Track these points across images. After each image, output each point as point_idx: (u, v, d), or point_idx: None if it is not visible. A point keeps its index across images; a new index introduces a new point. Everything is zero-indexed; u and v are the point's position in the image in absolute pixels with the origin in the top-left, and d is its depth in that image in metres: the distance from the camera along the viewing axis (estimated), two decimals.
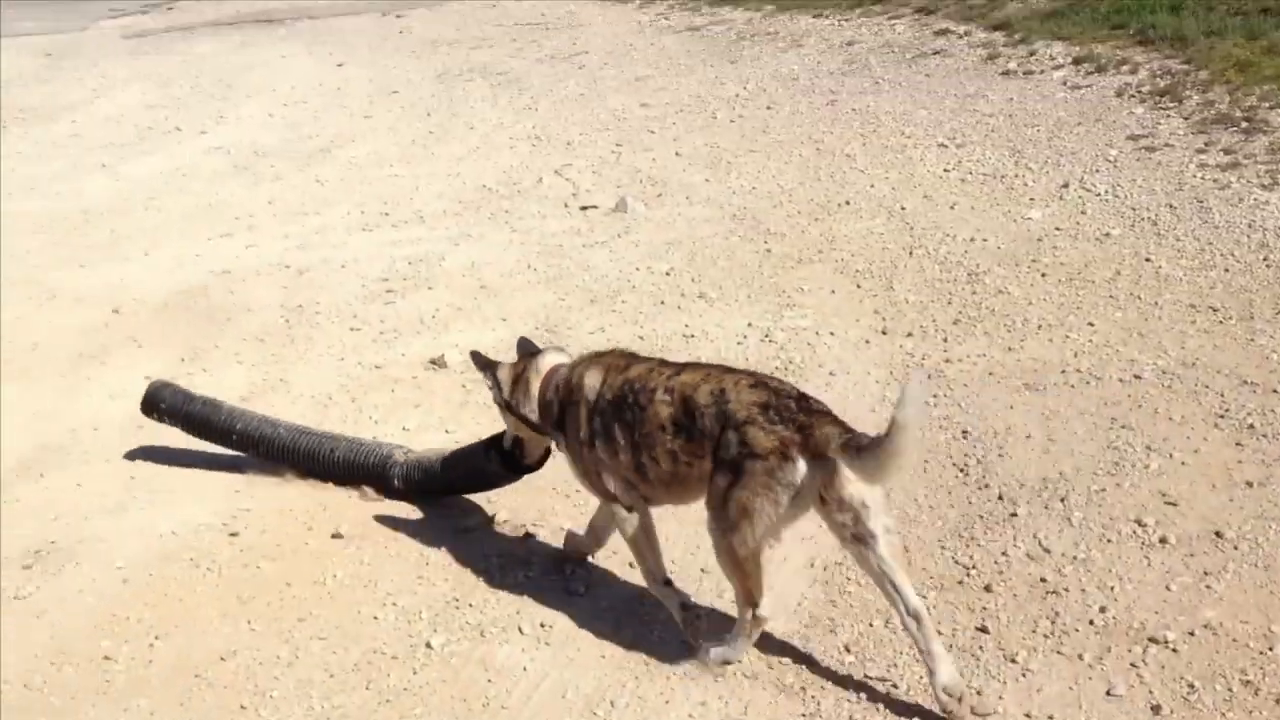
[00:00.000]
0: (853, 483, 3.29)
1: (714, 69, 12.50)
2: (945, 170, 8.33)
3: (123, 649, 3.90)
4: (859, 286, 6.53)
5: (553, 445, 4.12)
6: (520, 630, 3.88)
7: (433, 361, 5.98)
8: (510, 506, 4.58)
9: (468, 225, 8.19)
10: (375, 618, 3.99)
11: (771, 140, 9.58)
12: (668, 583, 3.87)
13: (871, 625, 3.79)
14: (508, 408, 4.11)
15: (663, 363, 3.82)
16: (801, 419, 3.35)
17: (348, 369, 6.05)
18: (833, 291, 6.49)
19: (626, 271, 7.03)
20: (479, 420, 5.30)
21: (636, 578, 4.05)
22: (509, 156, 9.91)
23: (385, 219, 8.49)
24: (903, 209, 7.63)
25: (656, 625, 3.85)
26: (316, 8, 19.51)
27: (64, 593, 4.24)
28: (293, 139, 11.24)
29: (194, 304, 7.11)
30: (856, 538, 3.36)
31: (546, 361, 4.04)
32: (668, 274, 6.95)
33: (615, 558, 4.21)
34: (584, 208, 8.30)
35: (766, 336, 5.99)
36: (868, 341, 5.86)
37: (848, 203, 7.88)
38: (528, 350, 4.17)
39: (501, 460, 4.34)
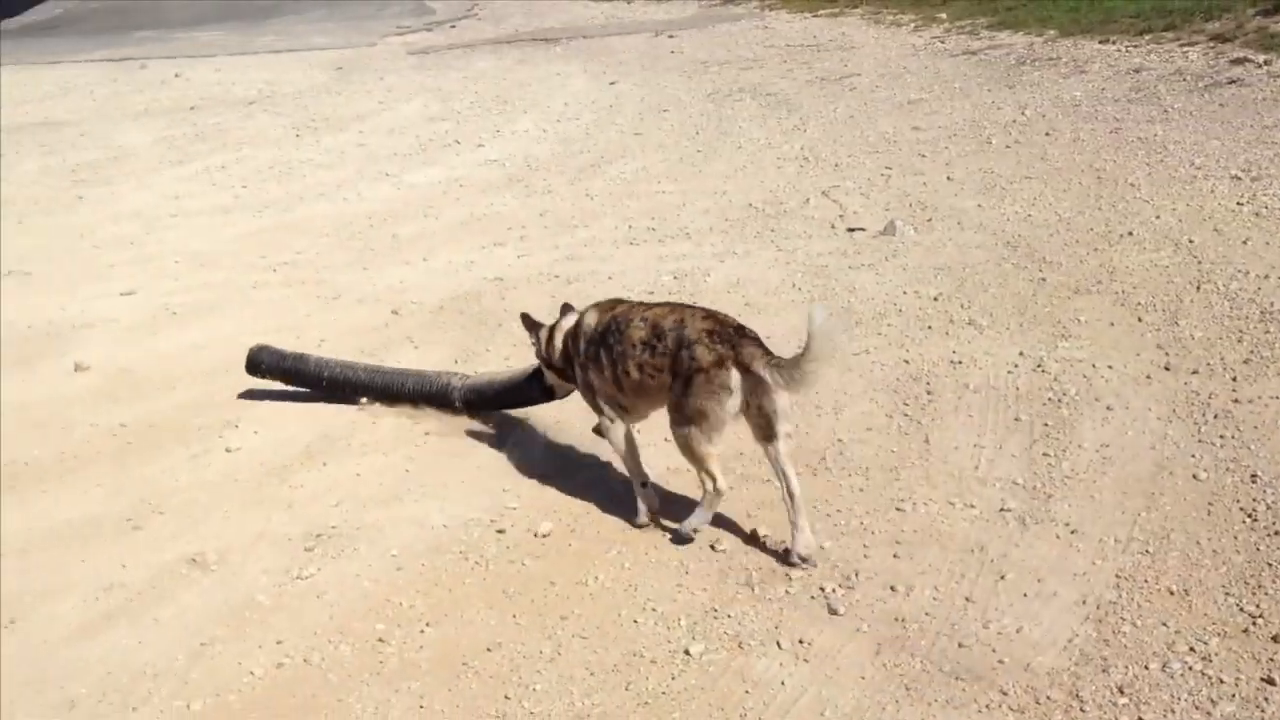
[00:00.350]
0: (769, 395, 4.18)
1: (990, 94, 12.23)
2: (1238, 204, 7.90)
3: (395, 633, 4.05)
4: (1140, 320, 6.25)
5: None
6: (779, 645, 3.85)
7: None
8: (770, 522, 4.56)
9: (733, 243, 8.22)
10: (635, 621, 4.03)
11: (1049, 167, 9.29)
12: (645, 483, 4.77)
13: (1148, 668, 3.60)
14: (544, 361, 5.14)
15: (640, 303, 4.76)
16: (736, 341, 4.26)
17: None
18: (1112, 324, 6.23)
19: (893, 295, 6.93)
20: (738, 431, 5.30)
21: (898, 601, 3.99)
22: (776, 176, 9.92)
23: (652, 234, 8.61)
24: (1190, 242, 7.27)
25: (919, 652, 3.76)
26: (591, 27, 20.00)
27: (342, 575, 4.44)
28: (564, 154, 11.53)
29: (467, 308, 7.36)
30: (766, 437, 4.29)
31: (564, 324, 4.98)
32: (936, 299, 6.81)
33: (875, 579, 4.14)
34: (851, 230, 8.22)
35: (1039, 367, 5.79)
36: (1149, 377, 5.59)
37: (1130, 233, 7.56)
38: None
39: (541, 391, 5.33)
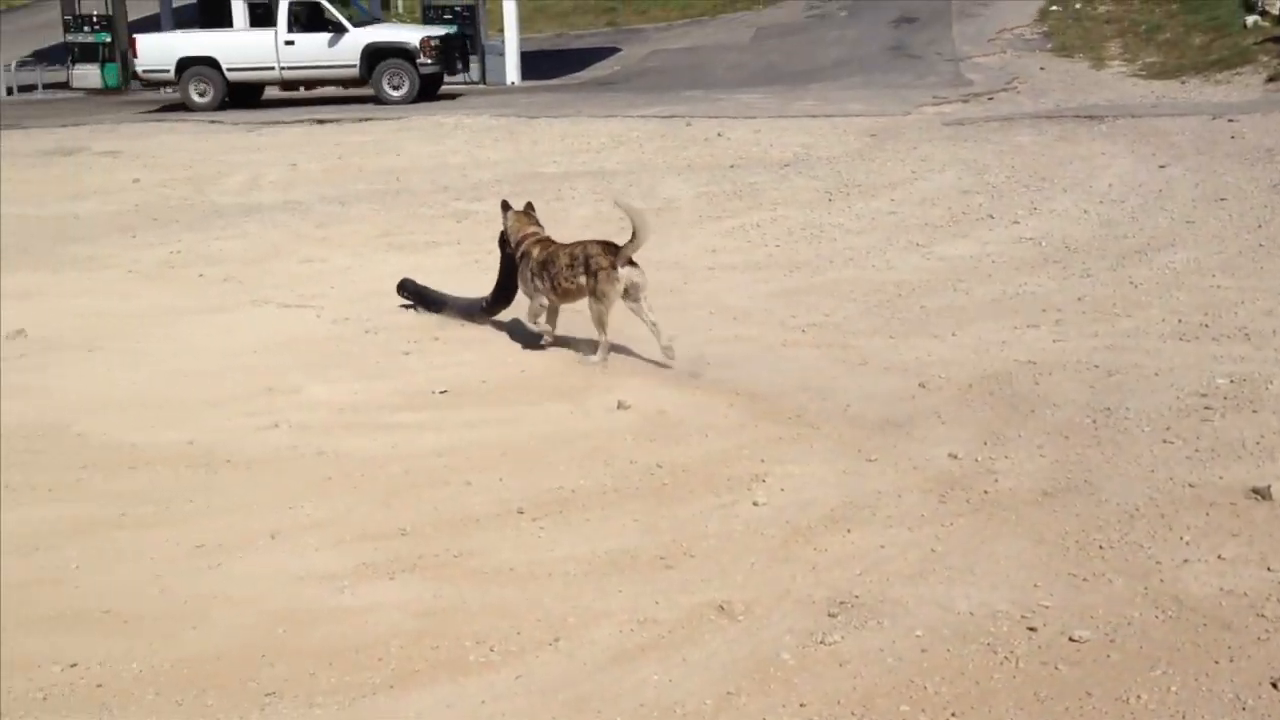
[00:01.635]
0: (633, 276, 7.64)
1: None
2: None
3: (920, 717, 3.96)
4: None
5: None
6: None
7: (1255, 491, 5.53)
8: None
9: None
10: None
11: None
12: (548, 334, 8.24)
13: None
14: (504, 235, 8.47)
15: (556, 242, 8.17)
16: (614, 253, 7.64)
17: (1157, 482, 5.76)
18: None
19: None
20: None
21: None
22: None
23: (1204, 330, 8.04)
24: None
25: None
26: (1140, 106, 19.12)
27: (866, 647, 4.40)
28: (1106, 237, 11.03)
29: (998, 389, 7.16)
30: (634, 300, 7.70)
31: (529, 230, 8.31)
32: None
33: None
34: None
35: None
36: None
37: None
38: (527, 211, 8.51)
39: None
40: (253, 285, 10.00)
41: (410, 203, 14.15)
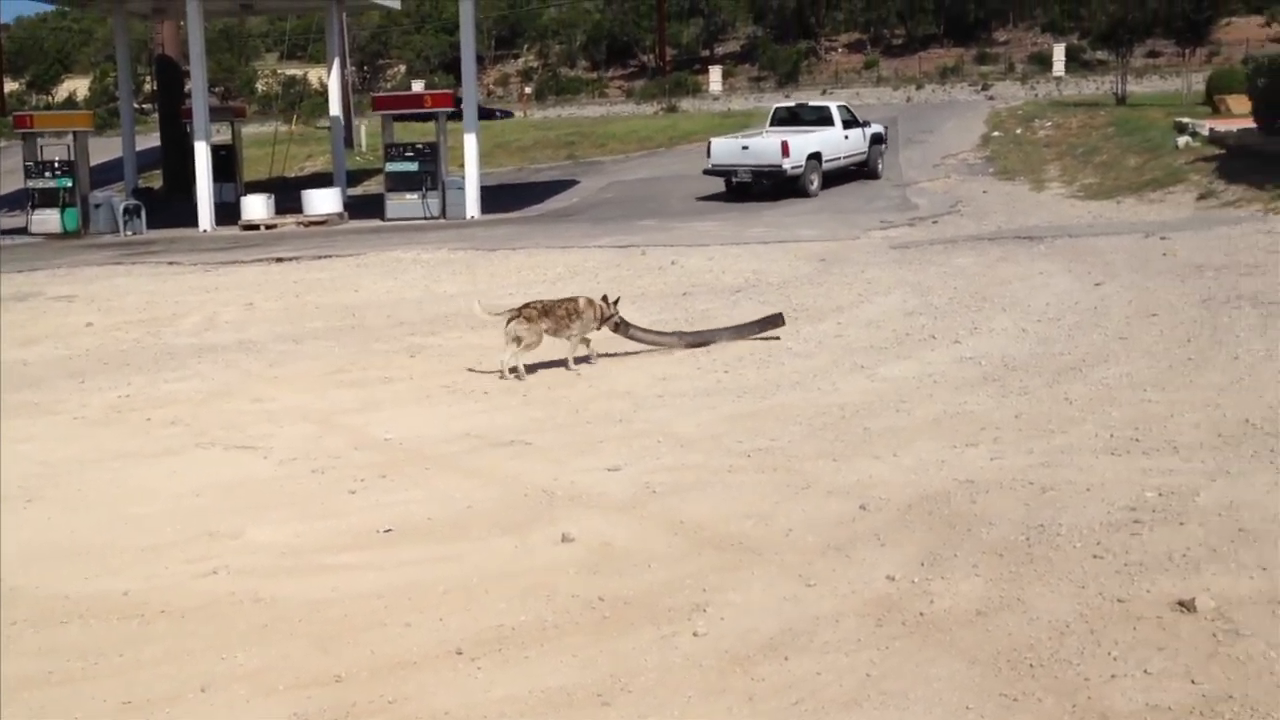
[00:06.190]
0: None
1: None
2: None
3: None
4: None
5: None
6: None
7: (1180, 604, 5.63)
8: None
9: (1226, 461, 7.70)
10: None
11: None
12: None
13: None
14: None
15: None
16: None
17: (1087, 598, 5.86)
18: None
19: None
20: (1229, 675, 4.91)
21: None
22: (1278, 392, 9.23)
23: (1135, 444, 8.21)
24: None
25: None
26: (1076, 226, 19.62)
27: None
28: (1043, 354, 11.26)
29: (936, 509, 7.27)
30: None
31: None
32: None
33: None
34: None
35: None
36: None
37: None
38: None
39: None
40: (201, 427, 10.02)
41: (365, 338, 14.24)
